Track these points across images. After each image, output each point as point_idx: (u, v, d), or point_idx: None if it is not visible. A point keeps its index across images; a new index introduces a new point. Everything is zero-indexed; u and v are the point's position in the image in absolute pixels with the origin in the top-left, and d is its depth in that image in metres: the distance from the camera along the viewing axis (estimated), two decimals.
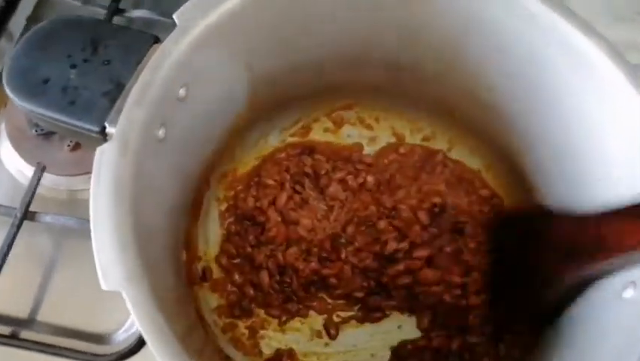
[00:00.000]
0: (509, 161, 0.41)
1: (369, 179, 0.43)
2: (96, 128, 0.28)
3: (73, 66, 0.30)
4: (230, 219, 0.42)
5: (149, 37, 0.31)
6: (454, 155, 0.44)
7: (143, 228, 0.27)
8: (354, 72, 0.41)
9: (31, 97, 0.29)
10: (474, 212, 0.42)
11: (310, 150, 0.44)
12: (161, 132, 0.30)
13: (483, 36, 0.35)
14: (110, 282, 0.24)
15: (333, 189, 0.42)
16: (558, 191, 0.37)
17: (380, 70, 0.40)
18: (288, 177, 0.42)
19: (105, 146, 0.27)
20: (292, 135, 0.44)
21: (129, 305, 0.25)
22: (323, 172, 0.43)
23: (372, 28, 0.37)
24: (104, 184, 0.26)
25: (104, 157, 0.27)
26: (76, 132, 0.29)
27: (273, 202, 0.42)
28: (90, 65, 0.30)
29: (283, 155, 0.43)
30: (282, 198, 0.41)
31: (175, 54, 0.29)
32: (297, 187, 0.42)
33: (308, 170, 0.43)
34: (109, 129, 0.28)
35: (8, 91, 0.29)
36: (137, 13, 0.48)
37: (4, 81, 0.29)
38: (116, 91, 0.29)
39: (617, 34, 0.34)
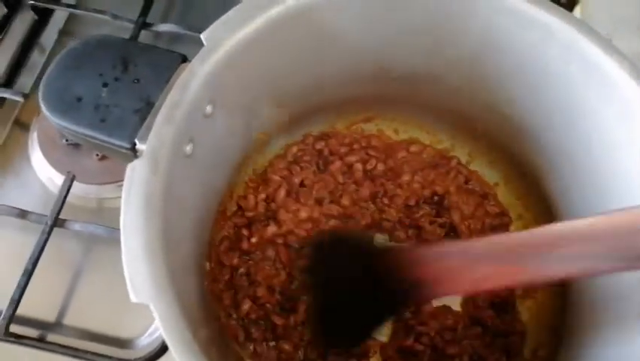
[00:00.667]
0: (528, 175, 0.41)
1: (380, 167, 0.42)
2: (127, 145, 0.29)
3: (105, 84, 0.31)
4: (230, 224, 0.40)
5: (177, 56, 0.32)
6: (472, 168, 0.44)
7: (172, 242, 0.28)
8: (374, 86, 0.41)
9: (66, 115, 0.30)
10: (475, 220, 0.41)
11: (327, 136, 0.44)
12: (189, 148, 0.31)
13: (502, 53, 0.35)
14: (140, 296, 0.25)
15: (335, 167, 0.41)
16: (576, 206, 0.38)
17: (399, 84, 0.41)
18: (297, 168, 0.41)
19: (136, 163, 0.28)
20: None
21: (157, 318, 0.25)
22: (336, 153, 0.42)
23: (391, 45, 0.37)
24: (134, 201, 0.27)
25: (135, 174, 0.28)
26: (107, 148, 0.30)
27: (273, 198, 0.40)
28: (121, 84, 0.31)
29: (296, 148, 0.43)
30: (281, 193, 0.40)
31: (202, 73, 0.30)
32: (301, 170, 0.41)
33: (324, 150, 0.42)
34: (139, 146, 0.29)
35: (44, 109, 0.30)
36: (164, 28, 0.49)
37: (40, 100, 0.30)
38: (146, 109, 0.30)
39: (631, 46, 0.34)
